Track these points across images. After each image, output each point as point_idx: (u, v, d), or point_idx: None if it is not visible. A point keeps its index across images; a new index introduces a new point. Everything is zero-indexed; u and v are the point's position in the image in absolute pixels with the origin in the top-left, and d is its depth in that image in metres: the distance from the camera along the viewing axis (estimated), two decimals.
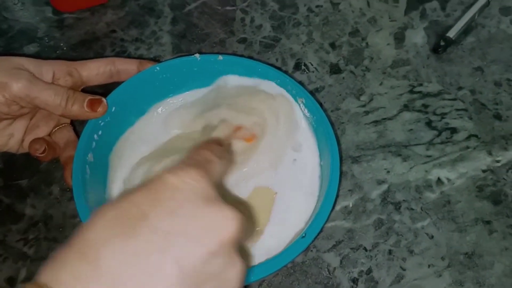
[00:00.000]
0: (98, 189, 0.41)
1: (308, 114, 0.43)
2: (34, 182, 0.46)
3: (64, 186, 0.46)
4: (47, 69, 0.40)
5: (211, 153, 0.29)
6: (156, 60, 0.44)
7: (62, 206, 0.45)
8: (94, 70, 0.43)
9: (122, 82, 0.43)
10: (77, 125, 0.46)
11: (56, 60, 0.42)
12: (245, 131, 0.43)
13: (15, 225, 0.44)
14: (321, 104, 0.50)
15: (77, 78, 0.42)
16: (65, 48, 0.55)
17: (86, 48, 0.55)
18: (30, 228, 0.44)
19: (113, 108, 0.42)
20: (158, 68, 0.44)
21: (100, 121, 0.41)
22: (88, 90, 0.43)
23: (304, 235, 0.35)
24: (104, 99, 0.40)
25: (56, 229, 0.44)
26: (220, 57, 0.44)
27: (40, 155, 0.40)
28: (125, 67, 0.44)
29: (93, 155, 0.41)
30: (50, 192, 0.46)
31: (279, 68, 0.51)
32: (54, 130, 0.44)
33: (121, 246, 0.22)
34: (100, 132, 0.42)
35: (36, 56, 0.54)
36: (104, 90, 0.43)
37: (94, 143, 0.41)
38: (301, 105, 0.43)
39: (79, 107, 0.39)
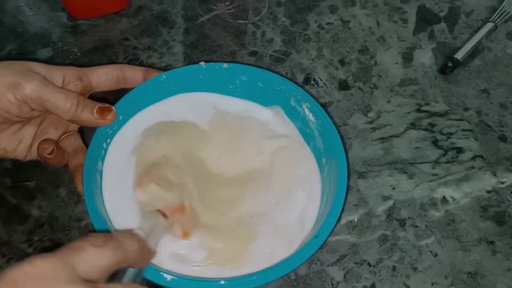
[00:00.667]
0: None
1: (313, 119, 0.44)
2: (42, 184, 0.46)
3: (72, 189, 0.46)
4: (58, 74, 0.41)
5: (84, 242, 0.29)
6: (163, 69, 0.45)
7: (69, 208, 0.45)
8: (103, 76, 0.43)
9: (129, 88, 0.44)
10: (86, 132, 0.46)
11: (66, 66, 0.42)
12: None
13: (21, 225, 0.44)
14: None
15: (87, 83, 0.42)
16: (78, 54, 0.55)
17: (99, 55, 0.55)
18: (35, 229, 0.44)
19: (121, 116, 0.42)
20: (164, 76, 0.44)
21: (108, 129, 0.42)
22: (99, 96, 0.43)
23: (317, 235, 0.36)
24: (113, 108, 0.41)
25: (62, 231, 0.44)
26: (225, 65, 0.45)
27: (48, 155, 0.40)
28: (132, 73, 0.44)
29: (103, 163, 0.41)
30: (57, 194, 0.46)
31: None
32: (62, 137, 0.44)
33: None
34: (108, 141, 0.42)
35: (50, 60, 0.54)
36: (115, 96, 0.44)
37: (103, 152, 0.41)
38: (306, 109, 0.44)
39: (88, 113, 0.39)
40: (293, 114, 0.45)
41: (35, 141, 0.43)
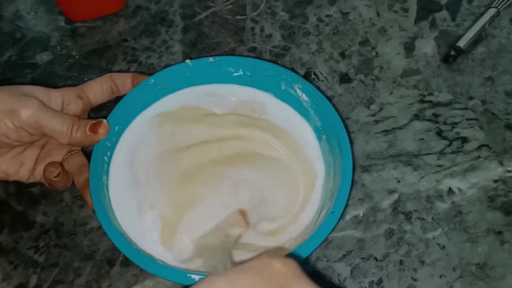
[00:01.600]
0: None
1: (306, 99, 0.44)
2: (46, 190, 0.46)
3: (75, 194, 0.46)
4: (56, 96, 0.41)
5: None
6: (148, 73, 0.45)
7: (73, 213, 0.45)
8: (98, 89, 0.44)
9: (122, 96, 0.44)
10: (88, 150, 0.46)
11: (62, 88, 0.42)
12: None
13: (26, 232, 0.44)
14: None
15: (86, 100, 0.43)
16: (77, 57, 0.55)
17: (98, 57, 0.55)
18: (41, 235, 0.44)
19: (116, 127, 0.42)
20: (152, 80, 0.44)
21: (107, 142, 0.41)
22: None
23: (333, 211, 0.36)
24: (104, 120, 0.41)
25: (67, 236, 0.44)
26: (211, 59, 0.45)
27: (54, 178, 0.41)
28: (121, 81, 0.44)
29: (107, 177, 0.41)
30: (61, 199, 0.46)
31: None
32: (65, 156, 0.44)
33: None
34: (108, 153, 0.42)
35: (49, 64, 0.54)
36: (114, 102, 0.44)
37: (105, 165, 0.41)
38: (298, 91, 0.44)
39: (82, 133, 0.39)
40: (287, 98, 0.45)
41: (38, 164, 0.43)
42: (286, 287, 0.25)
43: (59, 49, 0.56)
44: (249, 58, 0.46)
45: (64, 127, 0.39)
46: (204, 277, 0.33)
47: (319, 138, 0.44)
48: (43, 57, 0.55)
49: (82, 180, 0.41)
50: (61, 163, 0.42)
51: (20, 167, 0.42)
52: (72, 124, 0.39)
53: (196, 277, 0.33)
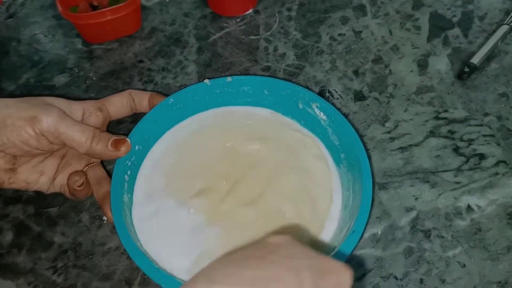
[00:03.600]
0: None
1: (324, 117, 0.44)
2: (64, 210, 0.47)
3: (93, 214, 0.46)
4: (77, 108, 0.42)
5: None
6: (178, 88, 0.46)
7: (91, 233, 0.45)
8: (118, 104, 0.44)
9: (140, 113, 0.45)
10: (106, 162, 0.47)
11: (83, 100, 0.43)
12: None
13: (45, 253, 0.44)
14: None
15: (106, 113, 0.43)
16: (94, 78, 0.56)
17: (114, 78, 0.56)
18: (59, 255, 0.44)
19: (137, 147, 0.43)
20: (172, 100, 0.45)
21: (127, 162, 0.42)
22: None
23: (353, 230, 0.36)
24: (128, 139, 0.41)
25: (86, 257, 0.44)
26: (229, 78, 0.46)
27: (78, 187, 0.41)
28: (138, 98, 0.45)
29: (128, 195, 0.41)
30: (80, 219, 0.46)
31: None
32: (85, 169, 0.44)
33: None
34: (129, 172, 0.42)
35: (67, 86, 0.55)
36: (132, 119, 0.44)
37: (126, 184, 0.41)
38: (316, 109, 0.45)
39: (103, 147, 0.40)
40: (304, 117, 0.46)
41: (58, 173, 0.43)
42: (275, 252, 0.25)
43: (76, 71, 0.57)
44: (267, 77, 0.46)
45: (83, 136, 0.39)
46: None
47: (338, 157, 0.44)
48: (60, 79, 0.56)
49: (102, 192, 0.42)
50: (85, 173, 0.42)
51: (40, 176, 0.43)
52: (92, 135, 0.40)
53: None
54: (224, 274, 0.23)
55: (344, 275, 0.25)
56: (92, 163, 0.45)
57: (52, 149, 0.41)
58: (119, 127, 0.51)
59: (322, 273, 0.24)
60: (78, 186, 0.41)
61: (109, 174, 0.44)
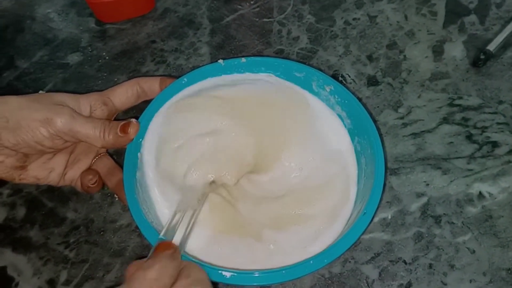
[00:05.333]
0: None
1: (339, 99, 0.44)
2: None
3: (105, 192, 0.47)
4: (84, 103, 0.42)
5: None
6: (175, 76, 0.46)
7: (103, 210, 0.46)
8: (123, 95, 0.44)
9: (150, 100, 0.44)
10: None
11: (90, 93, 0.43)
12: None
13: (57, 228, 0.45)
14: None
15: (111, 106, 0.43)
16: (107, 58, 0.56)
17: (127, 58, 0.56)
18: (71, 231, 0.45)
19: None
20: (185, 79, 0.45)
21: (140, 140, 0.42)
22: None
23: (364, 212, 0.36)
24: (133, 120, 0.41)
25: (97, 233, 0.45)
26: (243, 59, 0.45)
27: (92, 185, 0.42)
28: (149, 85, 0.45)
29: (140, 172, 0.41)
30: (92, 197, 0.47)
31: None
32: (94, 160, 0.45)
33: None
34: (141, 149, 0.42)
35: (80, 65, 0.55)
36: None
37: (139, 162, 0.41)
38: (329, 92, 0.44)
39: (114, 135, 0.40)
40: (318, 99, 0.46)
41: (68, 169, 0.44)
42: None
43: (89, 50, 0.57)
44: (281, 59, 0.46)
45: (96, 131, 0.40)
46: (234, 274, 0.34)
47: (352, 139, 0.44)
48: (74, 58, 0.56)
49: (114, 181, 0.42)
50: (97, 171, 0.43)
51: (49, 172, 0.43)
52: (103, 128, 0.40)
53: (227, 274, 0.33)
54: None
55: None
56: (100, 154, 0.45)
57: (66, 146, 0.41)
58: (132, 112, 0.51)
59: None
60: (92, 184, 0.42)
61: (118, 163, 0.44)
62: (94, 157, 0.45)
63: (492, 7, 0.59)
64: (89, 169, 0.43)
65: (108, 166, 0.44)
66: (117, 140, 0.40)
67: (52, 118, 0.38)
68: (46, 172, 0.43)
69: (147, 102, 0.44)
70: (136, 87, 0.44)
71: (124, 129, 0.41)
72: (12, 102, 0.38)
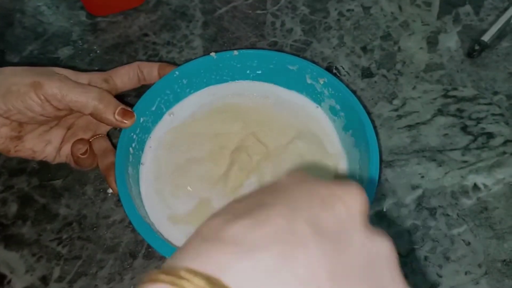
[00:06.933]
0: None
1: (332, 92, 0.44)
2: (68, 183, 0.47)
3: (98, 187, 0.46)
4: (83, 78, 0.41)
5: None
6: (174, 64, 0.45)
7: (96, 206, 0.45)
8: (125, 76, 0.44)
9: (149, 86, 0.44)
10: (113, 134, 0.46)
11: (91, 72, 0.43)
12: None
13: (49, 224, 0.45)
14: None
15: (113, 85, 0.43)
16: (98, 51, 0.55)
17: (119, 52, 0.55)
18: (64, 227, 0.44)
19: (141, 119, 0.42)
20: (177, 72, 0.44)
21: (132, 134, 0.41)
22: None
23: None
24: (134, 113, 0.41)
25: (90, 229, 0.44)
26: (236, 52, 0.45)
27: (81, 155, 0.41)
28: (148, 70, 0.45)
29: (132, 167, 0.41)
30: (84, 192, 0.46)
31: None
32: (91, 140, 0.44)
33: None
34: (133, 145, 0.42)
35: (71, 59, 0.55)
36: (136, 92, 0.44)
37: (130, 157, 0.41)
38: (323, 84, 0.44)
39: (111, 112, 0.39)
40: (312, 92, 0.45)
41: (64, 143, 0.43)
42: (277, 195, 0.21)
43: (80, 44, 0.56)
44: (274, 52, 0.46)
45: (88, 97, 0.39)
46: None
47: (344, 132, 0.44)
48: (64, 52, 0.55)
49: (106, 163, 0.42)
50: (89, 141, 0.42)
51: (46, 145, 0.43)
52: (99, 96, 0.39)
53: None
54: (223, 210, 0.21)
55: (352, 200, 0.21)
56: (98, 134, 0.44)
57: (58, 115, 0.40)
58: (127, 99, 0.50)
59: (323, 205, 0.20)
60: (82, 154, 0.41)
61: (114, 146, 0.43)
62: (92, 136, 0.44)
63: None
64: (80, 139, 0.42)
65: (104, 147, 0.44)
66: (110, 119, 0.40)
67: (40, 81, 0.37)
68: (42, 144, 0.42)
69: (146, 87, 0.44)
70: (137, 70, 0.44)
71: (123, 115, 0.40)
72: (7, 70, 0.39)
